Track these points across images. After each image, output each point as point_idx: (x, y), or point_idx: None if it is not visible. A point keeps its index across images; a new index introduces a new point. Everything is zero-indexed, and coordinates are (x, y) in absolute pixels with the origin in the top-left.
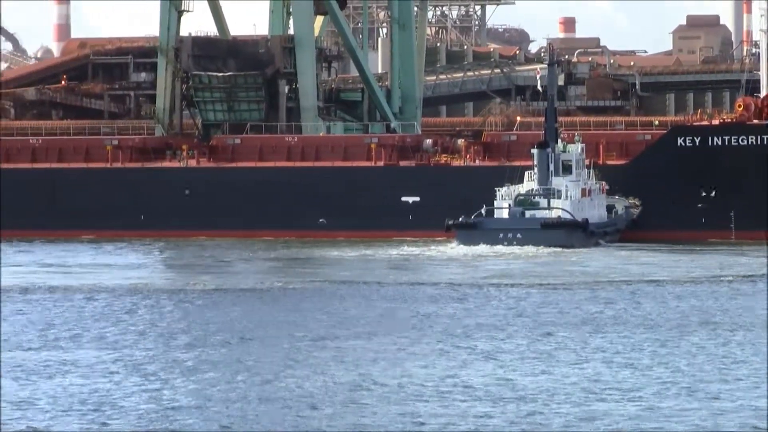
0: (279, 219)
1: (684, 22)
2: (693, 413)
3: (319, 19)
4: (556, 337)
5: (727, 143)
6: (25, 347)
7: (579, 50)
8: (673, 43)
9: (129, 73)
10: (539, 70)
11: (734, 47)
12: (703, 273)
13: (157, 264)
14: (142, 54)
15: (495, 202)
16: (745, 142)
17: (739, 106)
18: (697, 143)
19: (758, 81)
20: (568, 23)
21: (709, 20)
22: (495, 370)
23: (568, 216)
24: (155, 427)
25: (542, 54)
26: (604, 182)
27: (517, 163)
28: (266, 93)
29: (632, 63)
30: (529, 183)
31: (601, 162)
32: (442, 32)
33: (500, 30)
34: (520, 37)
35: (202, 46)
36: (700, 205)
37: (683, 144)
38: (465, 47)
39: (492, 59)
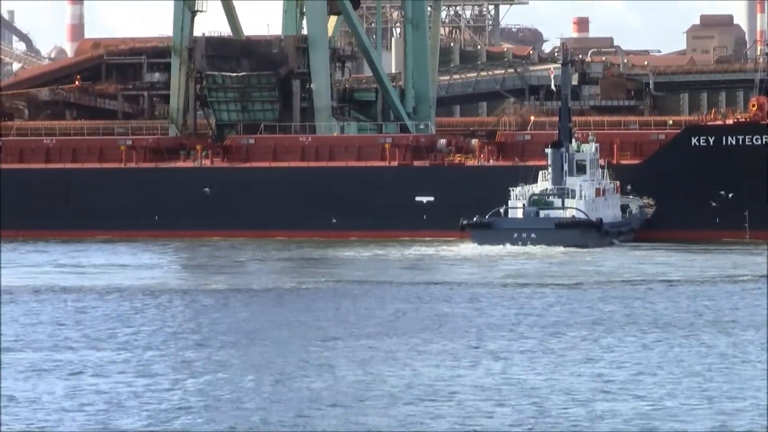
0: (293, 219)
1: (697, 22)
2: (702, 413)
3: (333, 19)
4: (565, 336)
5: (741, 143)
6: (35, 348)
7: (592, 50)
8: (687, 43)
9: (143, 73)
10: (553, 69)
11: (748, 47)
12: (718, 273)
13: (171, 264)
14: (156, 54)
15: (509, 202)
16: (759, 142)
17: (753, 105)
18: (711, 143)
19: None
20: (582, 23)
21: (722, 20)
22: (505, 369)
23: (582, 216)
24: (165, 427)
25: (556, 54)
26: (617, 182)
27: (531, 163)
28: (280, 93)
29: (646, 63)
30: (544, 183)
31: (615, 162)
32: (456, 32)
33: (514, 30)
34: (533, 37)
35: (215, 46)
36: (714, 205)
37: (697, 144)
38: (478, 47)
39: (506, 59)
